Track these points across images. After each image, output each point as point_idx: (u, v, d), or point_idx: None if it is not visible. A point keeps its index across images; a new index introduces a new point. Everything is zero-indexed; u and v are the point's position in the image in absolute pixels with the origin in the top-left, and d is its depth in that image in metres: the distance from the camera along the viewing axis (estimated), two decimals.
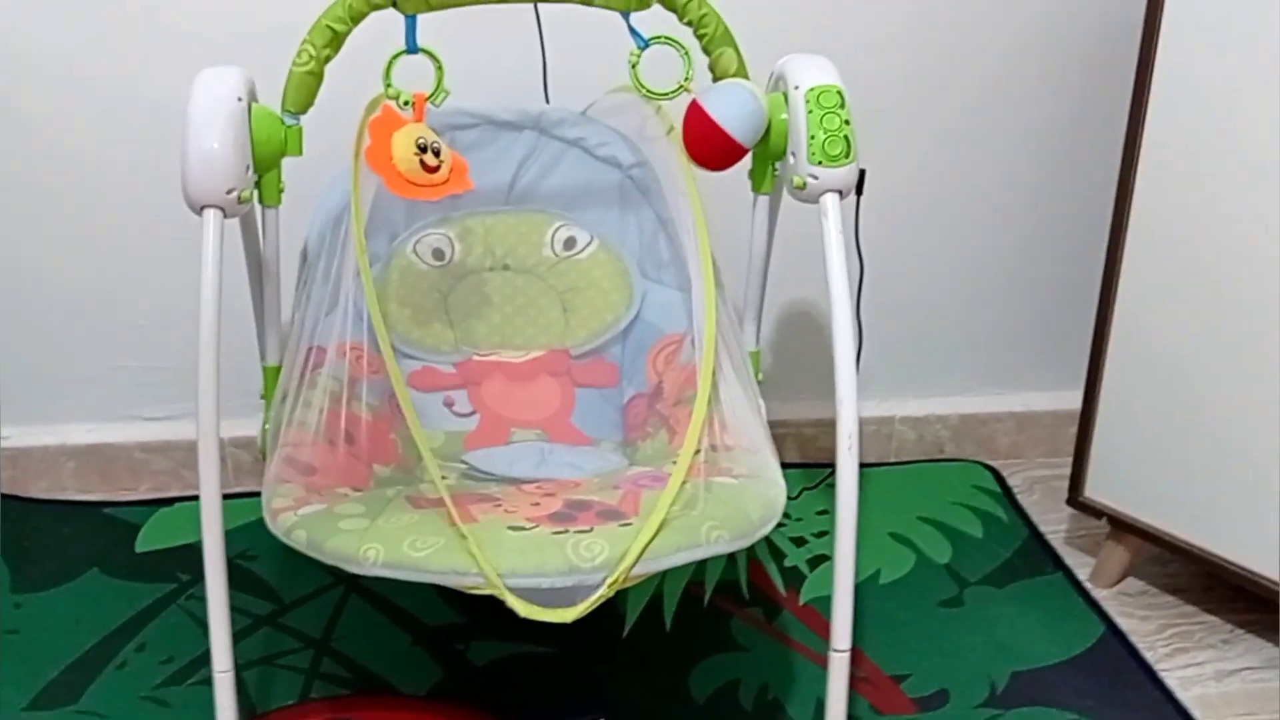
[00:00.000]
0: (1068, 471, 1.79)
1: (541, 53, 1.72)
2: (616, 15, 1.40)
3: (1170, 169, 1.57)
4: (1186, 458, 1.63)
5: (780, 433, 1.97)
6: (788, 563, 1.81)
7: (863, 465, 2.01)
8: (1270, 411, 1.52)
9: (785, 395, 2.01)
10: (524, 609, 1.14)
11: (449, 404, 1.64)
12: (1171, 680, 1.60)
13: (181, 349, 1.69)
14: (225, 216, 1.24)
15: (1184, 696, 1.57)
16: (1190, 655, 1.66)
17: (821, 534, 1.87)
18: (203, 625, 1.28)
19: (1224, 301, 1.55)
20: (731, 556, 1.79)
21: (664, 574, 1.70)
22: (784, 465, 1.35)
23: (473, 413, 1.64)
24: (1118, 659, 1.63)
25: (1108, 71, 1.88)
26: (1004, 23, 1.90)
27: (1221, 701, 1.57)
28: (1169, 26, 1.52)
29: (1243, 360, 1.54)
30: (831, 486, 1.32)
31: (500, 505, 1.27)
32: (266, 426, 1.47)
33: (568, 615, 1.14)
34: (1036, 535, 1.91)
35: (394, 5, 1.34)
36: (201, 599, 1.28)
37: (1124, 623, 1.71)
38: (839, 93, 1.34)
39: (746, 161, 1.45)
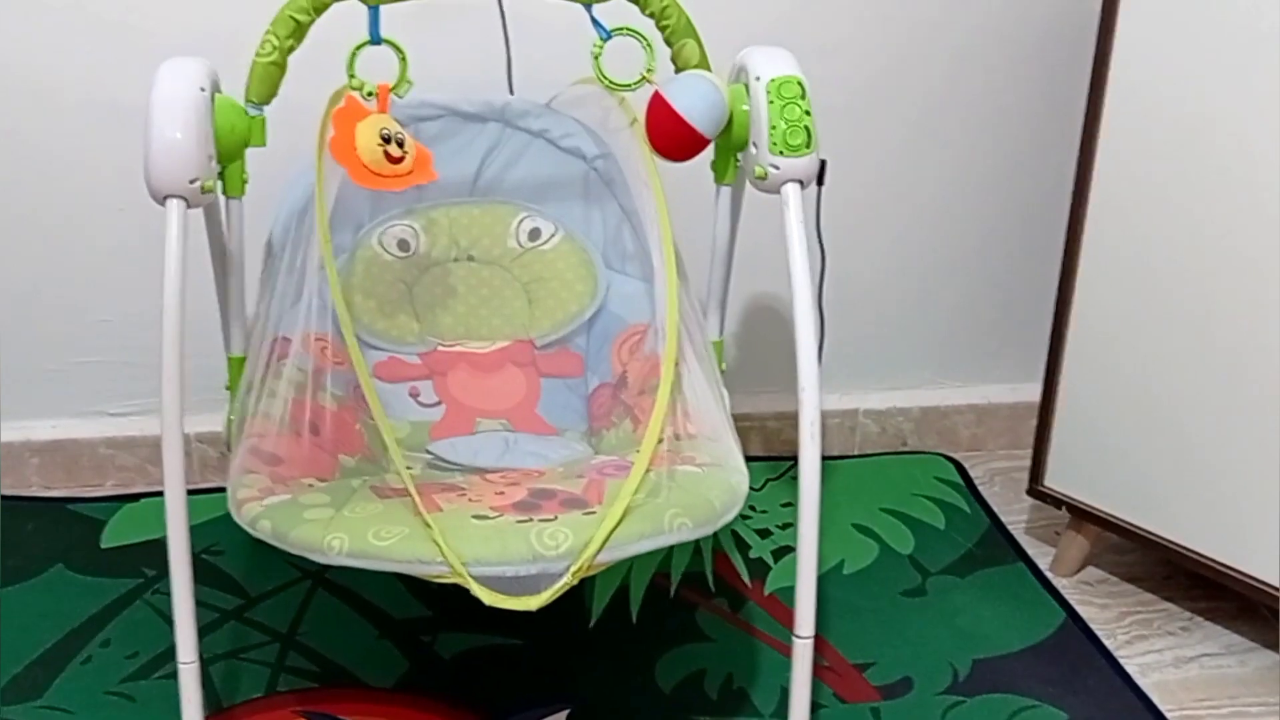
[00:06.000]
0: (1028, 463, 1.80)
1: (505, 45, 1.72)
2: (579, 7, 1.41)
3: (1127, 163, 1.58)
4: (1144, 448, 1.64)
5: (745, 426, 1.98)
6: (753, 554, 1.82)
7: (827, 458, 2.04)
8: (1224, 401, 1.54)
9: (750, 389, 2.02)
10: (489, 597, 1.14)
11: (414, 394, 1.64)
12: (1131, 667, 1.62)
13: (146, 343, 1.69)
14: (189, 207, 1.24)
15: (1143, 683, 1.58)
16: (1149, 642, 1.68)
17: (786, 525, 1.88)
18: (168, 620, 1.28)
19: (1179, 294, 1.56)
20: (697, 548, 1.81)
21: (630, 565, 1.73)
22: (748, 458, 1.36)
23: (438, 403, 1.64)
24: (1078, 646, 1.65)
25: (1065, 66, 1.90)
26: (962, 18, 1.92)
27: (1180, 687, 1.59)
28: (1125, 20, 1.53)
29: (1198, 351, 1.56)
30: (795, 478, 1.32)
31: (465, 494, 1.27)
32: (231, 418, 1.47)
33: (532, 603, 1.15)
34: (998, 525, 1.93)
35: None
36: (167, 594, 1.27)
37: (1084, 611, 1.72)
38: (799, 83, 1.35)
39: (709, 152, 1.46)
